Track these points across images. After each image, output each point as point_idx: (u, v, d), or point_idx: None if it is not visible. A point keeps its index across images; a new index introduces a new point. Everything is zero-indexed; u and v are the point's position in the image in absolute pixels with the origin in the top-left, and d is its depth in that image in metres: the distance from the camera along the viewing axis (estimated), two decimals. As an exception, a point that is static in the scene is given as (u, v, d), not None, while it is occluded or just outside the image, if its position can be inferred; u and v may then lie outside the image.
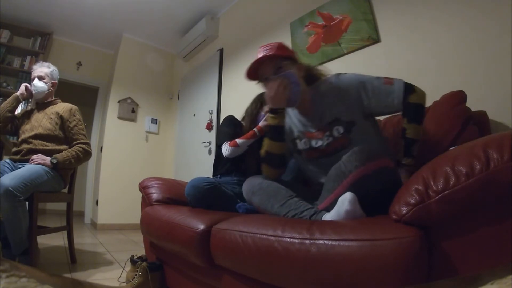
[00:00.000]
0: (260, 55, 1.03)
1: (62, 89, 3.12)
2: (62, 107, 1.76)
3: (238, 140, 1.43)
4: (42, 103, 1.78)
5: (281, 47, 1.04)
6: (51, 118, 1.69)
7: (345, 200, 0.74)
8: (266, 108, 1.48)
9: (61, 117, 1.70)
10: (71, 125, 1.71)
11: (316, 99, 1.07)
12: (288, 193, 0.97)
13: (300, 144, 1.11)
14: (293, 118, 1.15)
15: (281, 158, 1.08)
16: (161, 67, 4.05)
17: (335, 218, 0.76)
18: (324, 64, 1.98)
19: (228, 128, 1.55)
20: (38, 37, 3.44)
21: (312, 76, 1.12)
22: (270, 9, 2.61)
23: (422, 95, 0.97)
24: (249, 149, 1.45)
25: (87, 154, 1.71)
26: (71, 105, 1.79)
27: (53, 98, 1.83)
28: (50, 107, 1.76)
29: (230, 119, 1.63)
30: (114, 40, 3.84)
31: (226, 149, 1.45)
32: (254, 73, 1.08)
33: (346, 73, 1.05)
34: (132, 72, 3.78)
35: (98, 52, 4.04)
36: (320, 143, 1.05)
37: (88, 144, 1.73)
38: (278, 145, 1.06)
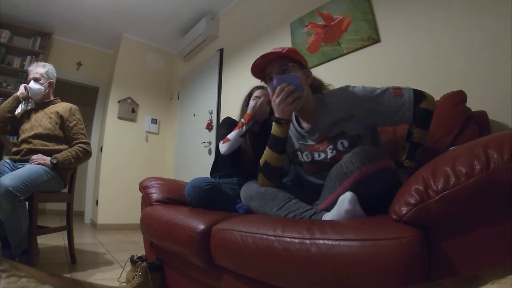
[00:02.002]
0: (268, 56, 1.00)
1: (62, 89, 3.12)
2: (62, 106, 1.76)
3: (229, 135, 1.45)
4: (41, 103, 1.78)
5: (293, 51, 1.01)
6: (51, 117, 1.69)
7: (345, 200, 0.74)
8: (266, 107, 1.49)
9: (61, 117, 1.70)
10: (71, 125, 1.70)
11: (321, 110, 1.03)
12: (286, 195, 0.96)
13: (302, 157, 1.08)
14: (292, 128, 1.11)
15: (279, 171, 1.05)
16: (161, 67, 4.05)
17: (335, 218, 0.76)
18: (324, 64, 1.98)
19: (224, 129, 1.56)
20: (38, 37, 3.44)
21: (317, 87, 1.11)
22: (270, 9, 2.61)
23: (432, 101, 0.95)
24: (246, 149, 1.46)
25: (87, 154, 1.71)
26: (71, 104, 1.79)
27: (53, 98, 1.82)
28: (50, 107, 1.76)
29: (226, 121, 1.64)
30: (114, 40, 3.84)
31: (221, 147, 1.47)
32: (260, 70, 1.05)
33: (354, 87, 1.01)
34: (132, 72, 3.78)
35: (98, 52, 4.04)
36: (323, 155, 1.02)
37: (88, 143, 1.73)
38: (278, 157, 1.02)
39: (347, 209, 0.73)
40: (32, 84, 1.71)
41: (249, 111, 1.43)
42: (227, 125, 1.58)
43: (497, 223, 0.50)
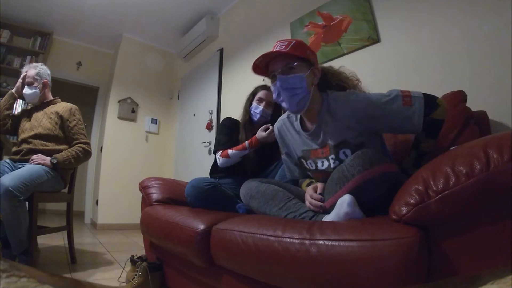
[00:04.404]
0: (275, 49, 0.92)
1: (62, 89, 3.12)
2: (62, 106, 1.76)
3: (229, 151, 1.43)
4: (41, 104, 1.77)
5: (298, 45, 0.92)
6: (51, 117, 1.69)
7: (344, 203, 0.74)
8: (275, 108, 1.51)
9: (61, 117, 1.70)
10: (71, 125, 1.70)
11: (324, 115, 0.97)
12: (286, 195, 0.96)
13: (306, 165, 1.05)
14: (294, 135, 1.07)
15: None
16: (161, 67, 4.05)
17: (335, 220, 0.76)
18: (324, 64, 1.98)
19: (222, 136, 1.54)
20: (38, 37, 3.44)
21: (328, 81, 1.03)
22: (270, 9, 2.61)
23: (445, 109, 0.87)
24: (248, 153, 1.44)
25: (87, 154, 1.71)
26: (71, 104, 1.79)
27: (52, 98, 1.82)
28: (50, 107, 1.76)
29: (226, 124, 1.59)
30: (114, 40, 3.84)
31: (218, 158, 1.48)
32: (262, 67, 0.98)
33: (361, 93, 0.96)
34: (132, 72, 3.78)
35: (98, 52, 4.04)
36: (326, 164, 0.97)
37: (88, 144, 1.73)
38: None
39: (346, 212, 0.73)
40: (26, 90, 1.69)
41: (259, 137, 1.39)
42: (229, 129, 1.54)
43: (497, 223, 0.50)
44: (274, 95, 0.98)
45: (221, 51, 3.12)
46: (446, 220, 0.54)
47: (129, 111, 3.67)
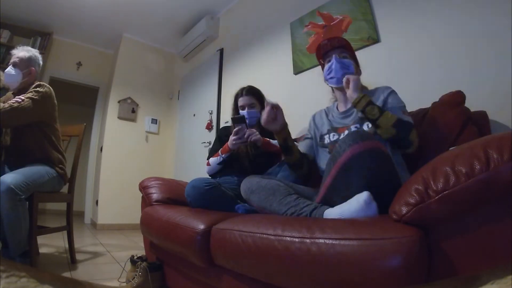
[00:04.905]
0: (335, 41, 1.20)
1: (62, 89, 3.12)
2: None
3: (211, 159, 1.55)
4: (18, 91, 1.58)
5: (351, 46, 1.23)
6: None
7: (361, 200, 0.72)
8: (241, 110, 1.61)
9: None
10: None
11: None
12: (287, 190, 0.97)
13: (328, 139, 1.17)
14: (324, 120, 1.24)
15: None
16: (161, 67, 4.05)
17: (345, 215, 0.75)
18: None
19: (213, 145, 1.67)
20: (38, 37, 3.44)
21: None
22: (270, 9, 2.61)
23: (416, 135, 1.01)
24: (243, 151, 1.50)
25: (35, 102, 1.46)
26: None
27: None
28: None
29: (218, 134, 1.70)
30: (114, 40, 3.84)
31: (206, 166, 1.59)
32: (324, 48, 1.22)
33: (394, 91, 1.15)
34: (132, 72, 3.78)
35: (98, 52, 4.04)
36: (346, 132, 1.10)
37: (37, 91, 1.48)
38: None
39: (362, 209, 0.72)
40: (8, 69, 1.52)
41: (230, 144, 1.44)
42: (218, 140, 1.65)
43: (497, 223, 0.50)
44: (326, 73, 1.20)
45: (221, 51, 3.12)
46: (446, 220, 0.54)
47: (129, 111, 3.67)
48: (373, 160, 0.76)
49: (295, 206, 0.90)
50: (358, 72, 1.21)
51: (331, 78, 1.18)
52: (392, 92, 1.12)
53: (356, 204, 0.74)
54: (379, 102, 1.09)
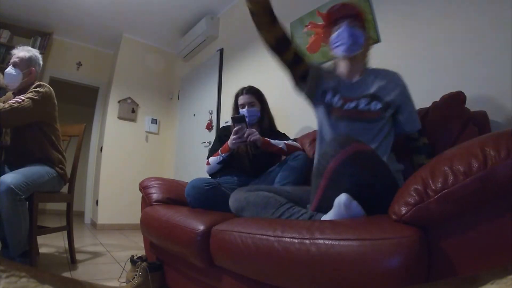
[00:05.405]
0: (348, 8, 1.12)
1: (62, 89, 3.12)
2: None
3: (211, 159, 1.53)
4: (18, 91, 1.58)
5: (364, 16, 1.16)
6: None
7: (340, 203, 0.73)
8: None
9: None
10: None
11: (368, 70, 1.16)
12: (278, 201, 0.93)
13: (332, 99, 1.12)
14: (331, 76, 1.18)
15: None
16: (161, 67, 4.05)
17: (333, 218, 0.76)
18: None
19: (213, 145, 1.65)
20: (38, 37, 3.44)
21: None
22: (270, 9, 2.60)
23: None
24: (243, 150, 1.50)
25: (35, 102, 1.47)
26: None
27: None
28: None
29: (218, 134, 1.69)
30: (114, 40, 3.84)
31: (206, 166, 1.57)
32: (334, 14, 1.14)
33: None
34: (132, 72, 3.78)
35: (98, 52, 4.04)
36: (353, 105, 1.07)
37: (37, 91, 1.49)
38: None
39: (344, 214, 0.73)
40: (9, 69, 1.53)
41: (229, 144, 1.43)
42: (218, 139, 1.63)
43: (497, 221, 0.50)
44: (333, 40, 1.13)
45: (221, 51, 3.11)
46: (445, 220, 0.54)
47: (129, 111, 3.67)
48: (357, 164, 0.76)
49: (290, 216, 0.88)
50: (368, 45, 1.17)
51: (339, 45, 1.10)
52: (405, 87, 1.10)
53: (337, 209, 0.74)
54: (389, 90, 1.08)
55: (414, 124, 1.09)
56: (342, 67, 1.17)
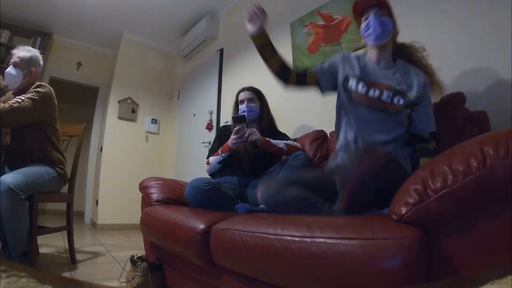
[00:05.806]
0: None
1: (62, 89, 3.12)
2: None
3: (211, 158, 1.53)
4: (18, 90, 1.58)
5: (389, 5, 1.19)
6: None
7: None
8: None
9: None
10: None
11: (401, 66, 1.17)
12: (318, 202, 0.97)
13: (354, 84, 1.15)
14: (354, 64, 1.21)
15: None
16: (161, 67, 4.05)
17: None
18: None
19: (212, 144, 1.66)
20: (38, 37, 3.44)
21: (410, 55, 1.25)
22: (270, 9, 2.58)
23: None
24: (243, 150, 1.50)
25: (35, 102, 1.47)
26: None
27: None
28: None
29: (218, 133, 1.69)
30: (114, 40, 3.84)
31: (206, 165, 1.57)
32: (361, 4, 1.18)
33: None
34: (132, 72, 3.78)
35: (98, 52, 4.04)
36: (377, 94, 1.10)
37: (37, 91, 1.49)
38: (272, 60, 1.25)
39: None
40: (9, 69, 1.53)
41: (230, 144, 1.43)
42: (218, 139, 1.63)
43: (496, 221, 0.50)
44: (363, 27, 1.17)
45: (221, 51, 3.11)
46: (445, 219, 0.54)
47: (129, 111, 3.67)
48: (376, 175, 0.80)
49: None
50: (395, 31, 1.20)
51: (369, 34, 1.15)
52: (427, 85, 1.13)
53: None
54: (414, 88, 1.10)
55: (428, 124, 1.10)
56: (372, 54, 1.22)
